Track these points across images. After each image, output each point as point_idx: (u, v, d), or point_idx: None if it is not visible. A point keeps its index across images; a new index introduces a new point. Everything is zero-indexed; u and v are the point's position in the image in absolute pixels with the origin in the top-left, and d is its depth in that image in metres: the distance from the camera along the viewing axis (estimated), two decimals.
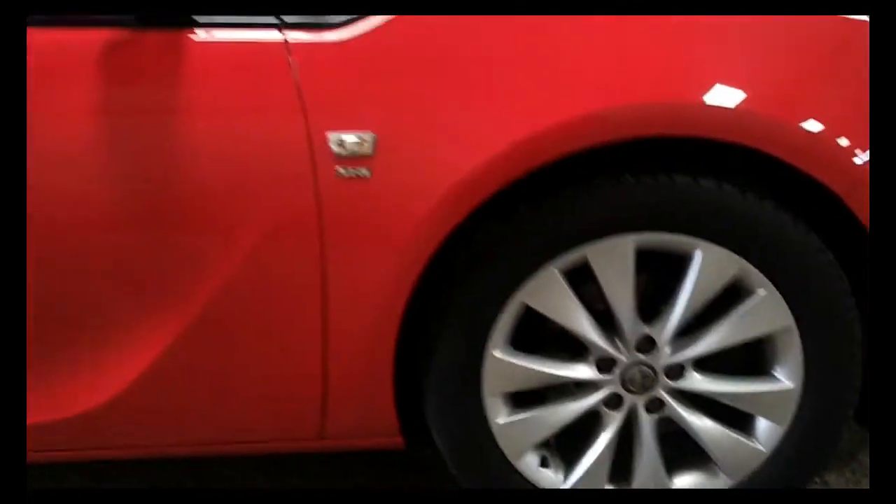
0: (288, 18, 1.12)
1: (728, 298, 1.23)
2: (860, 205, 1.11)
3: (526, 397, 1.32)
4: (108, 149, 1.13)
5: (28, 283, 1.14)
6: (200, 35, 1.12)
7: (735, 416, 1.33)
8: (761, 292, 1.19)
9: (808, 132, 1.09)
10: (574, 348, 1.28)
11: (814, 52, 1.14)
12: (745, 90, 1.09)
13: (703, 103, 1.08)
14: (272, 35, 1.12)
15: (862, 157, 1.11)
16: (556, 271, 1.19)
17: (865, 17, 1.15)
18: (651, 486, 1.35)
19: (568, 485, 1.35)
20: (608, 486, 1.36)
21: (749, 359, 1.30)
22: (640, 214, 1.14)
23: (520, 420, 1.30)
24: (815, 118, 1.09)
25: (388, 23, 1.11)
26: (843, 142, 1.10)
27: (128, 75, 1.14)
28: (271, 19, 1.12)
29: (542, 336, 1.28)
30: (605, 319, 1.24)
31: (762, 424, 1.33)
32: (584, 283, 1.22)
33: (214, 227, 1.15)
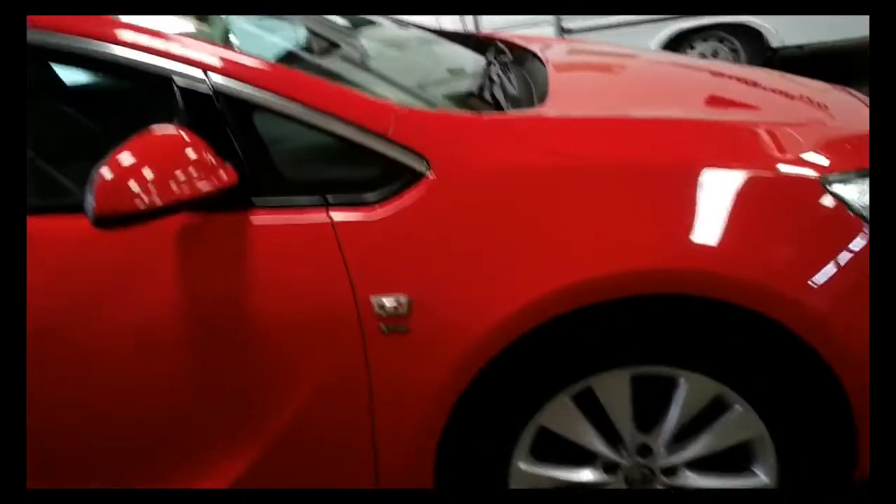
0: (331, 198, 1.33)
1: (715, 407, 1.42)
2: (813, 335, 1.27)
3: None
4: (192, 316, 1.35)
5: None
6: (260, 219, 1.33)
7: None
8: (738, 408, 1.38)
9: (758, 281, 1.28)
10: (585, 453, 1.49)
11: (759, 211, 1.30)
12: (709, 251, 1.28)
13: (696, 268, 1.28)
14: (320, 217, 1.32)
15: (808, 296, 1.26)
16: (567, 399, 1.40)
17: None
18: None
19: None
20: None
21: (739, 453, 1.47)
22: (633, 354, 1.36)
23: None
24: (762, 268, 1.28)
25: (416, 203, 1.31)
26: (790, 285, 1.27)
27: (205, 254, 1.34)
28: (318, 199, 1.33)
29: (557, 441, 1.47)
30: (609, 429, 1.44)
31: None
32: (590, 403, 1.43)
33: (284, 378, 1.37)
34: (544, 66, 1.97)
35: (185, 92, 1.32)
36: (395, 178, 1.32)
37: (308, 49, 2.03)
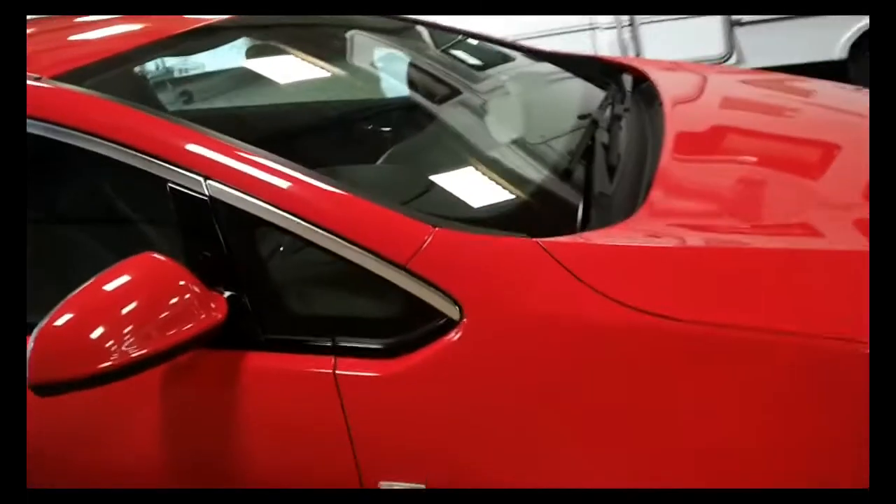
0: (340, 341, 1.06)
1: None
2: None
3: None
4: (176, 457, 1.15)
5: None
6: (255, 361, 1.09)
7: None
8: None
9: None
10: None
11: None
12: None
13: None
14: (324, 366, 1.06)
15: None
16: None
17: None
18: None
19: None
20: None
21: None
22: None
23: None
24: None
25: (441, 359, 1.02)
26: None
27: (192, 394, 1.13)
28: (326, 341, 1.07)
29: None
30: None
31: None
32: None
33: None
34: (663, 122, 1.44)
35: (179, 196, 1.09)
36: (419, 322, 1.03)
37: (427, 94, 1.80)
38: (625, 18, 4.75)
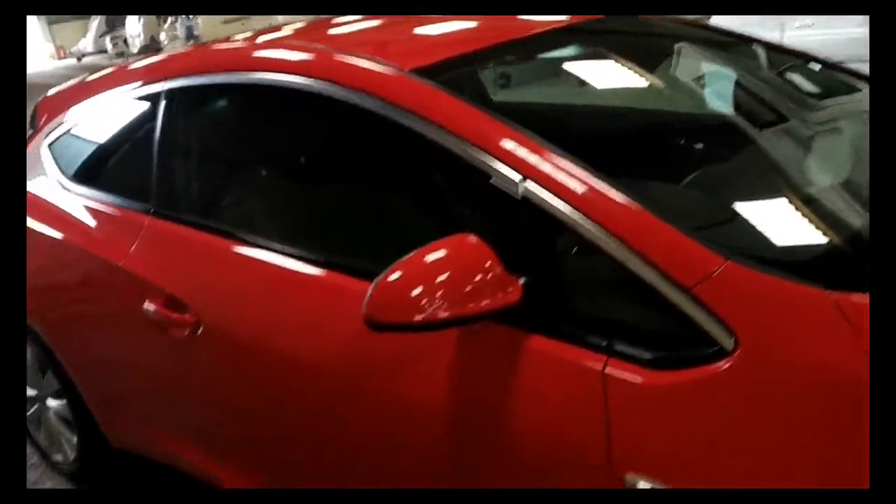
0: (615, 344, 1.15)
1: None
2: None
3: None
4: (448, 412, 1.34)
5: None
6: (535, 343, 1.22)
7: None
8: None
9: None
10: None
11: None
12: None
13: None
14: (595, 364, 1.15)
15: None
16: None
17: None
18: None
19: None
20: None
21: None
22: None
23: None
24: None
25: (708, 383, 1.07)
26: None
27: (474, 359, 1.30)
28: (600, 341, 1.16)
29: None
30: None
31: None
32: None
33: None
34: None
35: (498, 193, 1.26)
36: (691, 343, 1.09)
37: (749, 117, 1.76)
38: None
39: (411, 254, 1.20)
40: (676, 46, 1.96)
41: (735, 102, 1.82)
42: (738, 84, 1.90)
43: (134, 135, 2.07)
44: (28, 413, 2.43)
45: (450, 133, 1.34)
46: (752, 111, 1.81)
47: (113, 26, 22.98)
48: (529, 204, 1.24)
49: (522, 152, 1.27)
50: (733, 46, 2.07)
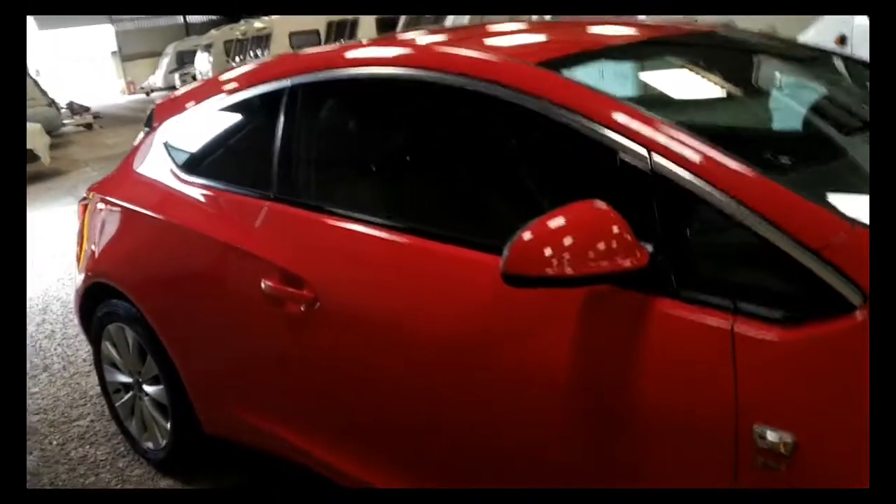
0: (741, 305, 1.20)
1: None
2: None
3: None
4: (574, 375, 1.40)
5: None
6: (661, 307, 1.28)
7: None
8: None
9: None
10: None
11: None
12: None
13: None
14: (723, 323, 1.22)
15: None
16: None
17: None
18: None
19: None
20: None
21: None
22: None
23: None
24: None
25: (837, 337, 1.12)
26: None
27: (601, 324, 1.36)
28: (727, 303, 1.22)
29: None
30: None
31: None
32: None
33: (641, 469, 1.35)
34: None
35: (627, 167, 1.34)
36: (818, 301, 1.15)
37: (825, 128, 1.82)
38: None
39: (545, 215, 1.28)
40: (755, 59, 2.04)
41: (810, 114, 1.85)
42: (814, 96, 1.97)
43: (248, 128, 2.24)
44: (122, 401, 2.53)
45: (581, 115, 1.44)
46: (826, 123, 1.86)
47: (182, 63, 23.70)
48: (660, 178, 1.31)
49: (647, 130, 1.37)
50: (814, 59, 2.14)
